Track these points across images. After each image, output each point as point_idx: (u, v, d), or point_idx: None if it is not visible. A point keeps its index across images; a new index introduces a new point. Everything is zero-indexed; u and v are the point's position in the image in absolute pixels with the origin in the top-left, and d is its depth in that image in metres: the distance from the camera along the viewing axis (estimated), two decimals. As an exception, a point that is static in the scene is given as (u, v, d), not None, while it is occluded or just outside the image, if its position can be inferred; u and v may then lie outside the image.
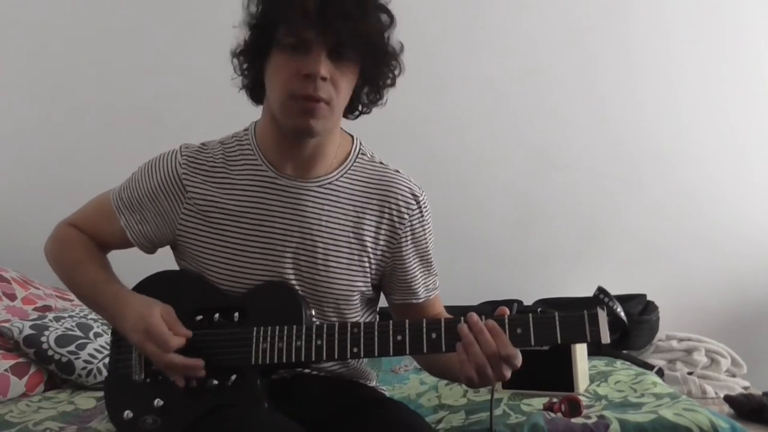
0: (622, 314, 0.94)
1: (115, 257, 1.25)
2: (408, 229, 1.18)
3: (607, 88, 2.77)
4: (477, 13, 2.77)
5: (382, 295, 1.27)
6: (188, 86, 2.67)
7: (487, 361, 0.94)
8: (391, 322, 1.02)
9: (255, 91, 1.15)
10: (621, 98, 2.77)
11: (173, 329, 1.06)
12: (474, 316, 0.96)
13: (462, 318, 0.97)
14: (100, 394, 1.67)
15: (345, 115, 1.17)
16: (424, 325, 0.99)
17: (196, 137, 1.26)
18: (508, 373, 0.96)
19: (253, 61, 1.10)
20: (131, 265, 1.26)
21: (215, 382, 1.07)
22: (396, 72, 1.14)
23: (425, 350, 0.99)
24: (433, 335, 0.98)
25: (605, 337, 0.92)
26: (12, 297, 2.12)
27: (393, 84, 1.15)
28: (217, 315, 1.10)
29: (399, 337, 1.00)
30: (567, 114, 2.77)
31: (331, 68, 1.03)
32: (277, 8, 1.03)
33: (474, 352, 0.94)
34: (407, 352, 1.00)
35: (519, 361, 0.95)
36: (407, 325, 1.00)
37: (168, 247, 1.23)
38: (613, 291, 1.00)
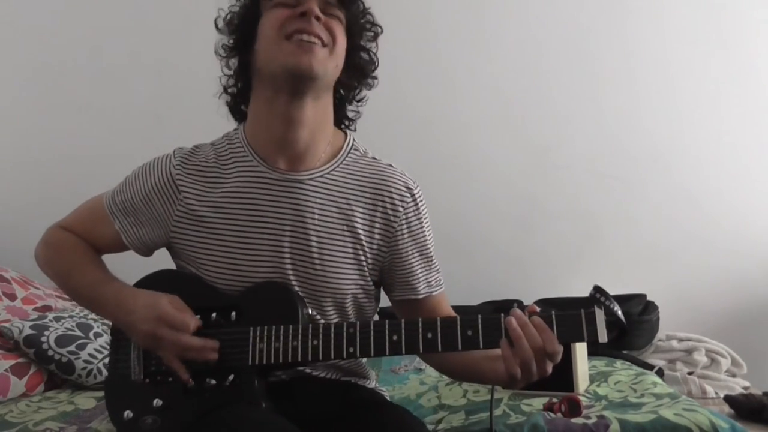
0: (620, 313, 0.93)
1: (111, 258, 1.24)
2: (404, 222, 1.17)
3: (607, 88, 2.77)
4: (479, 14, 2.77)
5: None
6: (188, 86, 2.66)
7: (533, 356, 0.93)
8: (387, 321, 1.01)
9: (242, 94, 1.17)
10: (621, 98, 2.77)
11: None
12: (518, 311, 0.96)
13: (502, 314, 0.97)
14: (100, 394, 1.67)
15: (341, 121, 1.22)
16: (420, 324, 0.99)
17: (196, 137, 1.25)
18: (549, 369, 0.96)
19: (244, 39, 1.12)
20: (128, 267, 1.25)
21: (213, 382, 1.06)
22: (375, 59, 1.19)
23: (421, 350, 0.98)
24: (429, 335, 0.98)
25: (603, 336, 0.91)
26: (12, 297, 2.12)
27: (372, 62, 1.20)
28: (214, 314, 1.10)
29: (395, 337, 0.99)
30: (567, 114, 2.78)
31: (324, 15, 1.07)
32: None
33: (521, 346, 0.93)
34: (403, 352, 1.00)
35: (560, 356, 0.95)
36: (403, 325, 0.99)
37: (164, 248, 1.22)
38: (613, 291, 0.99)
